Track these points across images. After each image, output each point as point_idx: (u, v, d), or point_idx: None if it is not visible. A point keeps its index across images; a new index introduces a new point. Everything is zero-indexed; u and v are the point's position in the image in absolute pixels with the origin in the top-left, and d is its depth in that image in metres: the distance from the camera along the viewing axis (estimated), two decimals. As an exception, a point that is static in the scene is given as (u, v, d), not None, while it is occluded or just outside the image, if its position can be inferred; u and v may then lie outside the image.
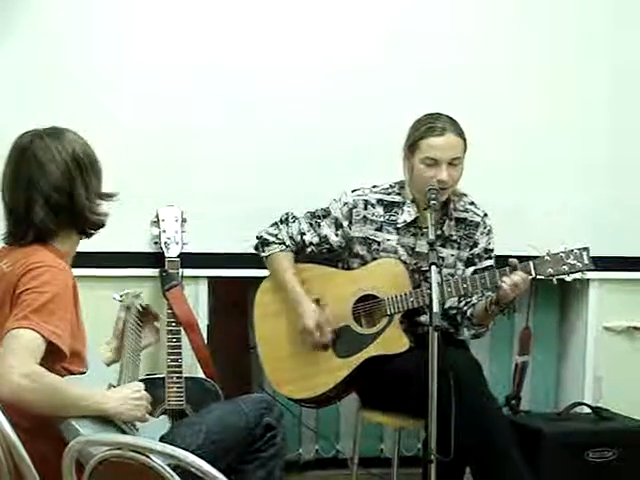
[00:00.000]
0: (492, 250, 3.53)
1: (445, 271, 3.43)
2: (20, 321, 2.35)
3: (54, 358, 2.40)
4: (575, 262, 3.25)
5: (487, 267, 3.47)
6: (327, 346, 3.44)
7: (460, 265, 3.49)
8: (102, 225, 2.63)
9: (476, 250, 3.50)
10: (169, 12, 3.85)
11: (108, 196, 2.64)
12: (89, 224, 2.60)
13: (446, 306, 3.44)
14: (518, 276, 3.22)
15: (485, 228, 3.52)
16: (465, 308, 3.45)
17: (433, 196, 3.27)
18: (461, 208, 3.51)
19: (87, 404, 2.40)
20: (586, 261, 3.25)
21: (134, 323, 2.89)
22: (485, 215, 3.54)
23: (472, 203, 3.54)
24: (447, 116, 3.39)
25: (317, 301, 3.48)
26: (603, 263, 3.37)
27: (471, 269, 3.48)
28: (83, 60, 3.76)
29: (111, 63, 3.78)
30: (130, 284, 2.75)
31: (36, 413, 2.36)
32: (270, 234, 3.56)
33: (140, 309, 2.95)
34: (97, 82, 3.78)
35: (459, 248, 3.49)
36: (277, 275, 3.54)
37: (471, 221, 3.51)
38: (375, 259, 3.48)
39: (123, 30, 3.80)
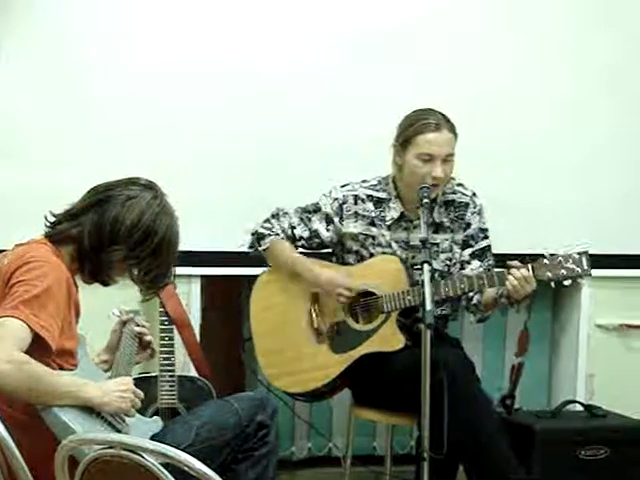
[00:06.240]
0: (487, 230, 3.50)
1: (442, 256, 3.43)
2: (8, 311, 2.36)
3: (41, 352, 2.40)
4: (574, 267, 3.20)
5: (484, 248, 3.46)
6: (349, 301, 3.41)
7: (457, 248, 3.47)
8: (103, 284, 2.70)
9: (470, 231, 3.48)
10: (168, 12, 3.86)
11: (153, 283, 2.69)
12: (94, 274, 2.64)
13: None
14: (524, 271, 3.20)
15: (475, 207, 3.49)
16: (471, 294, 3.42)
17: (425, 194, 3.26)
18: (449, 191, 3.47)
19: (71, 394, 2.40)
20: (585, 267, 3.20)
21: (131, 338, 2.87)
22: (474, 194, 3.50)
23: (460, 184, 3.50)
24: (439, 112, 3.37)
25: (315, 295, 3.48)
26: (596, 261, 3.36)
27: (468, 251, 3.47)
28: (83, 60, 3.78)
29: (111, 64, 3.80)
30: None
31: (20, 401, 2.36)
32: (265, 228, 3.53)
33: (136, 331, 2.91)
34: (97, 82, 3.79)
35: (452, 231, 3.47)
36: (281, 259, 3.49)
37: (460, 202, 3.48)
38: (372, 254, 3.47)
39: (124, 30, 3.82)
